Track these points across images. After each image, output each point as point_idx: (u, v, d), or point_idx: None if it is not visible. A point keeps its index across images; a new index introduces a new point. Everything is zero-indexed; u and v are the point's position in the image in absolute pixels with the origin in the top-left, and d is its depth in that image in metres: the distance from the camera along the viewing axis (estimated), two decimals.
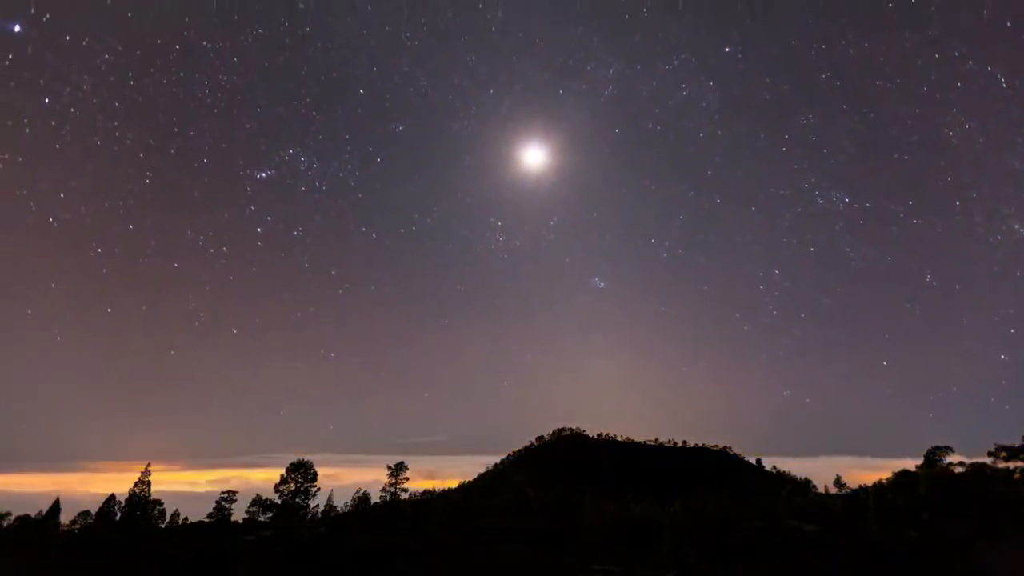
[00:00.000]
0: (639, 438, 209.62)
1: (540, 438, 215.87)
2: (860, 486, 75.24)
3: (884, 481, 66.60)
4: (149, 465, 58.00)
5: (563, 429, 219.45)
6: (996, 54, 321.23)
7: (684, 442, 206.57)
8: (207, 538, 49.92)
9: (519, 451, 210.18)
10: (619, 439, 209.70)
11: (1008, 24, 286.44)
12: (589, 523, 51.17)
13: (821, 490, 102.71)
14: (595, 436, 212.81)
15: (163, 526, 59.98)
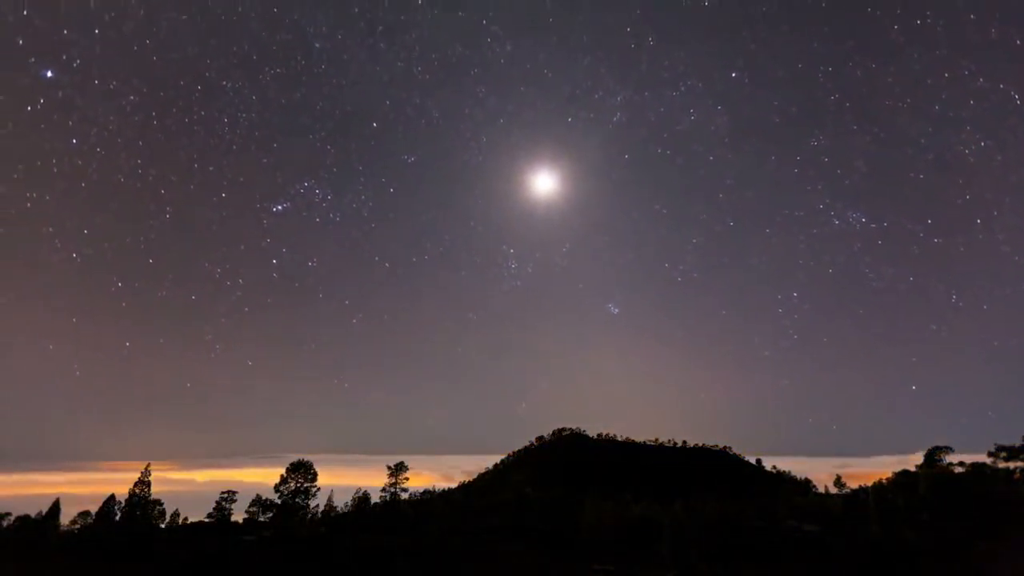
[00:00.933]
0: (639, 438, 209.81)
1: (540, 438, 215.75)
2: (860, 486, 75.21)
3: (884, 481, 66.63)
4: (149, 465, 58.03)
5: (563, 429, 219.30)
6: (1007, 72, 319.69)
7: (684, 442, 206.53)
8: (207, 538, 49.91)
9: (519, 451, 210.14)
10: (619, 439, 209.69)
11: (1017, 42, 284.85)
12: (589, 523, 51.18)
13: (821, 490, 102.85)
14: (595, 436, 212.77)
15: (163, 526, 59.96)
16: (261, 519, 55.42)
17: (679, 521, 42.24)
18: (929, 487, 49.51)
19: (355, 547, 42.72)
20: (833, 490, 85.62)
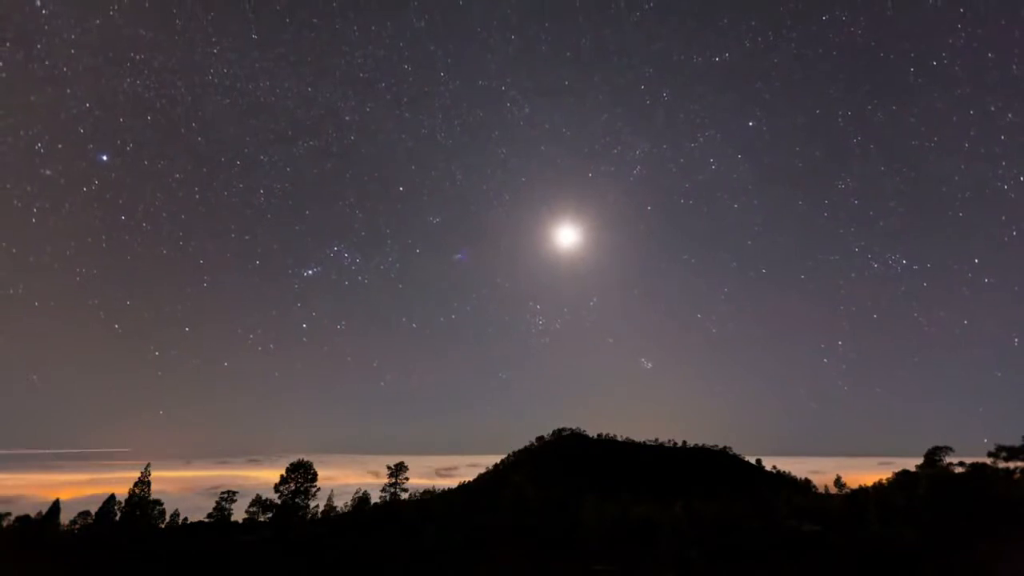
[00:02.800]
0: (639, 438, 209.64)
1: (540, 438, 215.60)
2: (860, 486, 75.15)
3: (884, 481, 66.59)
4: (149, 465, 58.00)
5: (563, 429, 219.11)
6: None
7: (684, 442, 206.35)
8: (207, 538, 49.88)
9: (519, 451, 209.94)
10: (619, 439, 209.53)
11: None
12: (589, 523, 51.12)
13: (821, 490, 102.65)
14: (595, 436, 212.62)
15: (163, 526, 59.93)
16: (261, 519, 55.38)
17: (679, 521, 42.21)
18: (929, 487, 49.43)
19: (355, 547, 42.69)
20: (833, 490, 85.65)
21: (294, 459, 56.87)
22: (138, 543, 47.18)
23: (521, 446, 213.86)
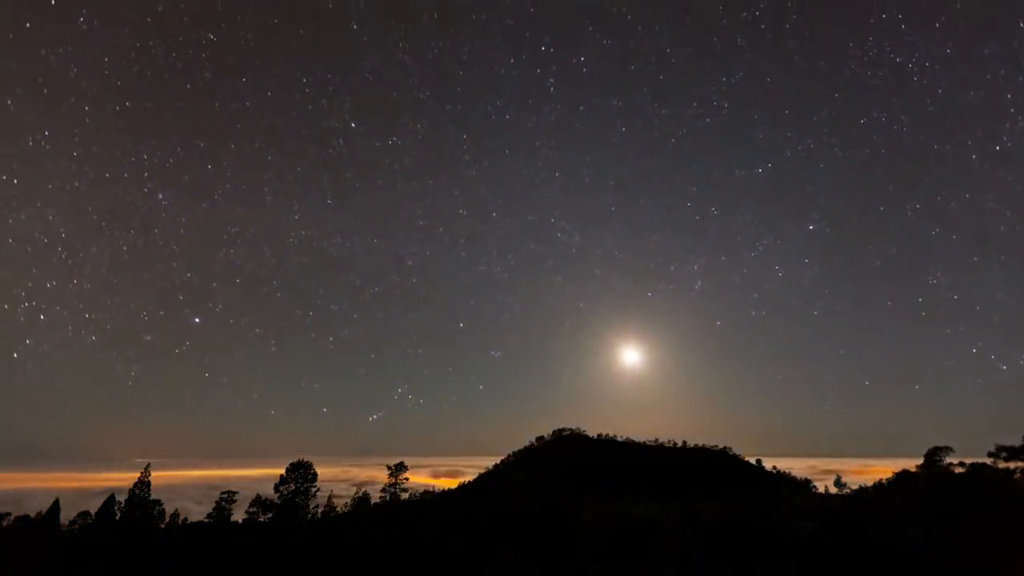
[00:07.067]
0: (639, 438, 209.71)
1: (540, 438, 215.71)
2: (860, 486, 75.17)
3: (884, 481, 66.53)
4: (149, 465, 58.01)
5: (563, 429, 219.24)
6: None
7: (684, 442, 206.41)
8: (207, 538, 49.87)
9: (519, 451, 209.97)
10: (619, 439, 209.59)
11: None
12: (589, 523, 51.10)
13: (821, 490, 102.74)
14: (595, 436, 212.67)
15: (163, 526, 59.94)
16: (261, 519, 55.36)
17: (679, 521, 42.20)
18: (929, 487, 49.43)
19: (355, 548, 42.70)
20: (833, 490, 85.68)
21: (294, 459, 56.92)
22: (138, 543, 47.19)
23: (521, 446, 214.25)
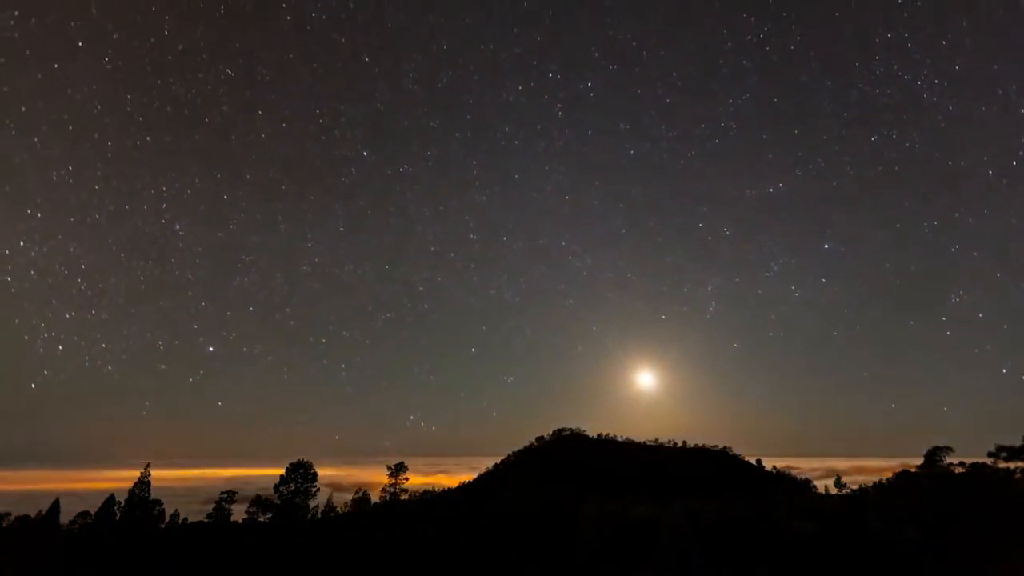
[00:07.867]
0: (639, 438, 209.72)
1: (540, 438, 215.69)
2: (860, 486, 75.17)
3: (884, 481, 66.53)
4: (149, 465, 58.01)
5: (563, 429, 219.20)
6: None
7: (684, 442, 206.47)
8: (207, 538, 49.87)
9: (519, 451, 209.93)
10: (619, 439, 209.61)
11: None
12: (589, 523, 51.09)
13: (821, 490, 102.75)
14: (595, 436, 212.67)
15: (163, 526, 59.96)
16: (261, 519, 55.37)
17: (679, 521, 42.20)
18: (929, 487, 49.45)
19: (354, 548, 42.69)
20: (833, 490, 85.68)
21: (294, 459, 56.93)
22: (138, 543, 47.18)
23: (521, 446, 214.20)
